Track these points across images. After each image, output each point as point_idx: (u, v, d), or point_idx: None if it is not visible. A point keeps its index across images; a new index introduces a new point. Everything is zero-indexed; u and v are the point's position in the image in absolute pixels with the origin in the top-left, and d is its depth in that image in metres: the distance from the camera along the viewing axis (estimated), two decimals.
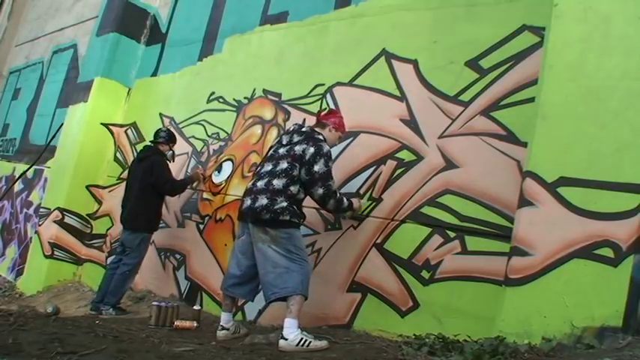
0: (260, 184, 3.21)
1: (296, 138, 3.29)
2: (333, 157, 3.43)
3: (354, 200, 3.45)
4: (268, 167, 3.27)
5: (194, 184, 4.86)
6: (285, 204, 3.10)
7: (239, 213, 3.31)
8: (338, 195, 3.27)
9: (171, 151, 4.80)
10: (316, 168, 3.15)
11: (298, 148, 3.21)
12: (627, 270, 2.27)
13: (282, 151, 3.28)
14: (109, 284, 4.52)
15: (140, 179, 4.57)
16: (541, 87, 2.69)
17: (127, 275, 4.51)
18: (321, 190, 3.17)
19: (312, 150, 3.17)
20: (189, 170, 5.15)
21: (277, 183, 3.14)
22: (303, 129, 3.37)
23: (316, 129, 3.38)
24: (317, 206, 3.46)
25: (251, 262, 3.21)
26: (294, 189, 3.15)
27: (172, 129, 5.18)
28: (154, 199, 4.58)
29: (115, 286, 4.48)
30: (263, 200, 3.12)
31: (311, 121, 4.12)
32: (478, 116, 3.24)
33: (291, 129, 3.44)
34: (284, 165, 3.18)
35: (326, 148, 3.24)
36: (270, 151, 3.40)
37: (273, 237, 3.08)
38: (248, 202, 3.21)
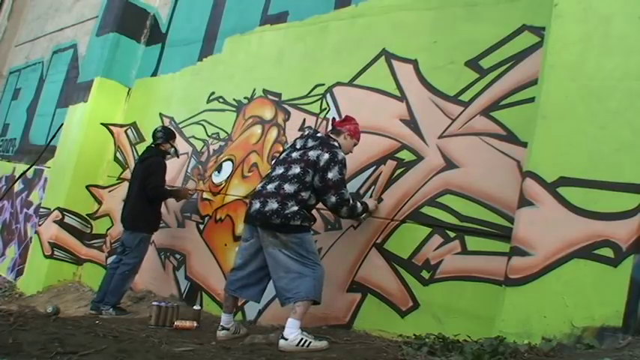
0: (270, 187, 3.16)
1: (310, 143, 3.25)
2: None
3: (369, 201, 3.42)
4: (280, 170, 3.21)
5: (177, 200, 4.85)
6: (296, 208, 3.05)
7: (246, 216, 3.25)
8: (351, 202, 3.20)
9: (173, 148, 4.79)
10: (330, 175, 3.11)
11: (312, 154, 3.17)
12: (627, 270, 2.27)
13: (295, 155, 3.24)
14: (110, 284, 4.52)
15: (140, 180, 4.57)
16: (541, 87, 2.69)
17: (126, 275, 4.50)
18: (334, 199, 3.13)
19: (326, 156, 3.14)
20: (189, 170, 5.15)
21: (289, 188, 3.09)
22: (318, 134, 3.33)
23: (331, 135, 3.35)
24: (321, 206, 3.45)
25: (259, 264, 3.18)
26: (305, 195, 3.11)
27: (172, 128, 5.17)
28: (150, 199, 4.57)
29: (115, 286, 4.47)
30: (273, 204, 3.06)
31: (310, 121, 4.15)
32: (478, 116, 3.24)
33: (305, 133, 3.42)
34: (296, 170, 3.14)
35: (341, 155, 3.19)
36: (283, 155, 3.36)
37: (284, 242, 3.04)
38: (257, 205, 3.14)
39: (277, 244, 3.05)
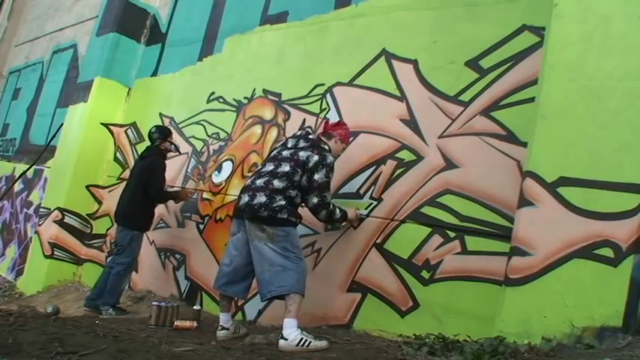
0: (259, 182, 3.21)
1: (302, 144, 3.31)
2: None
3: (349, 211, 3.44)
4: (269, 167, 3.27)
5: (176, 202, 4.87)
6: (283, 202, 3.11)
7: (235, 209, 3.30)
8: (331, 207, 3.27)
9: (172, 145, 4.78)
10: (316, 177, 3.17)
11: (302, 154, 3.22)
12: (627, 270, 2.27)
13: (285, 153, 3.29)
14: (105, 283, 4.52)
15: (137, 178, 4.58)
16: (541, 87, 2.69)
17: (121, 274, 4.50)
18: (315, 200, 3.20)
19: (316, 158, 3.19)
20: (189, 170, 5.15)
21: (277, 184, 3.15)
22: (310, 136, 3.39)
23: (322, 138, 3.40)
24: None
25: (245, 260, 3.21)
26: (292, 192, 3.16)
27: (167, 126, 5.16)
28: (149, 199, 4.56)
29: (112, 287, 4.47)
30: (261, 198, 3.11)
31: (311, 121, 4.15)
32: (478, 116, 3.24)
33: (297, 134, 3.46)
34: (286, 168, 3.19)
35: (330, 159, 3.25)
36: (274, 152, 3.41)
37: (270, 235, 3.08)
38: (245, 198, 3.20)
39: (263, 238, 3.08)
